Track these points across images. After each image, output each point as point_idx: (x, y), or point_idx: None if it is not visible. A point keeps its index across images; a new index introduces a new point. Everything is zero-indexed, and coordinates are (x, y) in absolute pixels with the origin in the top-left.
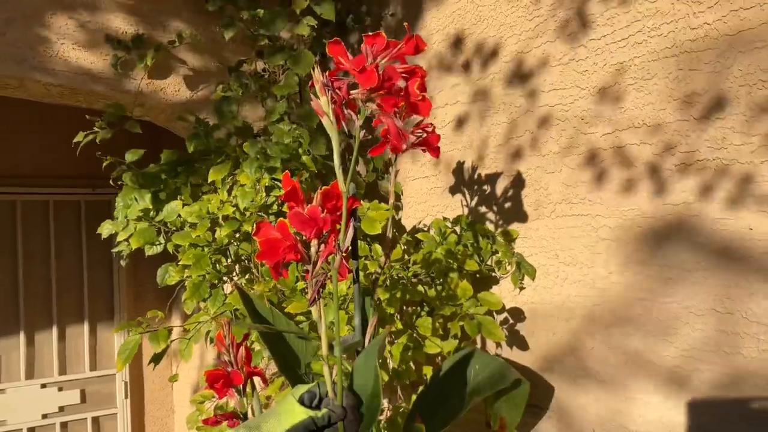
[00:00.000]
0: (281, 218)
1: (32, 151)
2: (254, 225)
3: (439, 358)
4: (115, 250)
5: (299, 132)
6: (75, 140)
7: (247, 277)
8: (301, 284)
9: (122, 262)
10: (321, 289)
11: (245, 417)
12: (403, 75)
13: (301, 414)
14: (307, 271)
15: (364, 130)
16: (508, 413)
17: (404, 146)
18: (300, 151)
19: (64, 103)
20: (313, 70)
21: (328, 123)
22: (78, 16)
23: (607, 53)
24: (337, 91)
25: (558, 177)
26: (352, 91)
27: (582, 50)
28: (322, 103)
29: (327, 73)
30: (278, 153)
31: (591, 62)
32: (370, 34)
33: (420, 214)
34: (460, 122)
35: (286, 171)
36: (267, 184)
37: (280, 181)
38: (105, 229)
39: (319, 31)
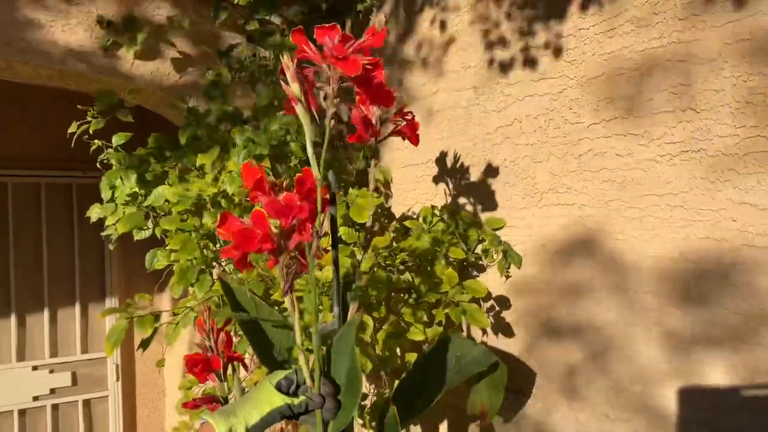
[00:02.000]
0: (256, 208)
1: (22, 133)
2: (218, 216)
3: (426, 345)
4: (104, 233)
5: (287, 119)
6: (69, 131)
7: None
8: None
9: (111, 246)
10: (294, 279)
11: (226, 401)
12: (367, 66)
13: (278, 400)
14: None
15: (334, 120)
16: (489, 398)
17: (370, 136)
18: (288, 138)
19: (53, 85)
20: (282, 57)
21: (302, 110)
22: None
23: (595, 43)
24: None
25: (545, 166)
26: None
27: (571, 39)
28: (294, 90)
29: (293, 61)
30: (265, 141)
31: (579, 52)
32: (325, 26)
33: (410, 202)
34: (451, 110)
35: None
36: None
37: (267, 168)
38: (93, 212)
39: (309, 16)
